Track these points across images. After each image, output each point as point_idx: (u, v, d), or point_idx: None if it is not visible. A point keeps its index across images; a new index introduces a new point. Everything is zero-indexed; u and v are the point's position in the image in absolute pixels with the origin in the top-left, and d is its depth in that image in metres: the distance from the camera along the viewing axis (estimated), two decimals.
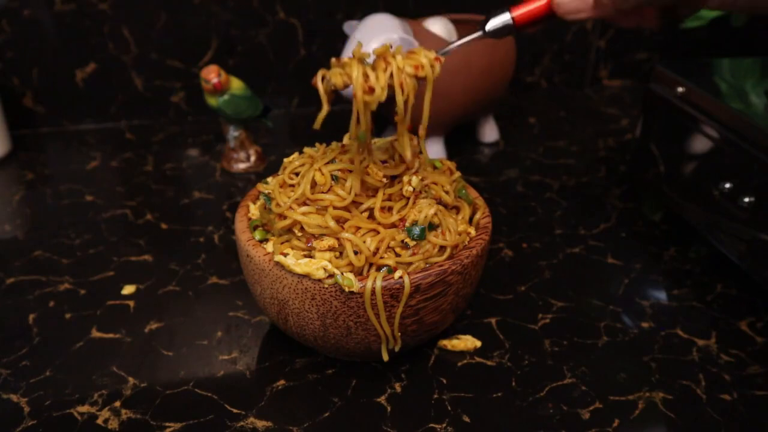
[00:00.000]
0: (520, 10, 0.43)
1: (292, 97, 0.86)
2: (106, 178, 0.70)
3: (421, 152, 0.43)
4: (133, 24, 0.77)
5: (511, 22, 0.43)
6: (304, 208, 0.40)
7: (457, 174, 0.46)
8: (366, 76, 0.38)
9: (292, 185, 0.42)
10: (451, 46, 0.43)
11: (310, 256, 0.39)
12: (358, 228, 0.39)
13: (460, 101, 0.67)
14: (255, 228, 0.42)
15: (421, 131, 0.41)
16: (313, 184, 0.41)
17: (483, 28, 0.43)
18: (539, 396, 0.43)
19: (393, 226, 0.40)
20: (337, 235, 0.39)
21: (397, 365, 0.45)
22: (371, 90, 0.38)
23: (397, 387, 0.43)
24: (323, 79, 0.39)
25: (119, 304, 0.51)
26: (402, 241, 0.40)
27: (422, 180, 0.42)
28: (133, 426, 0.40)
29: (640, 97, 0.89)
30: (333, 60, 0.40)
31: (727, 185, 0.51)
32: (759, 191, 0.48)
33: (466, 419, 0.41)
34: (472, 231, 0.43)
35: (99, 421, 0.41)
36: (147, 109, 0.82)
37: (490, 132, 0.77)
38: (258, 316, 0.50)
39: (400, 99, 0.38)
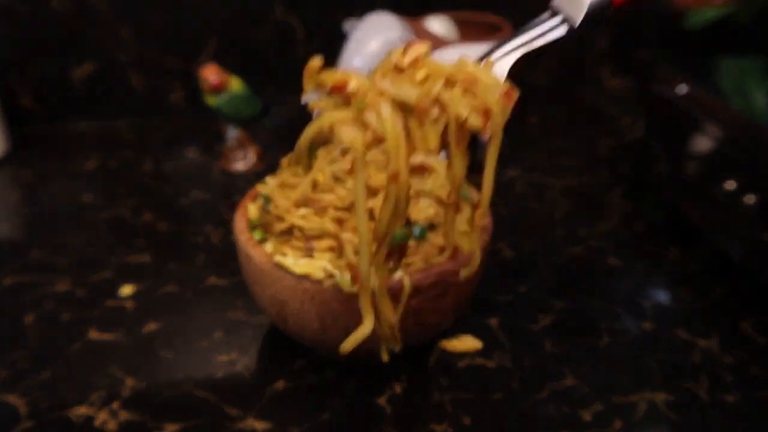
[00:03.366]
0: None
1: (292, 96, 0.86)
2: (105, 178, 0.70)
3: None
4: (131, 23, 0.77)
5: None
6: (303, 211, 0.40)
7: None
8: (407, 133, 0.22)
9: (292, 185, 0.42)
10: (519, 51, 0.28)
11: (310, 256, 0.39)
12: None
13: None
14: (254, 228, 0.42)
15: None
16: (315, 185, 0.40)
17: (562, 17, 0.27)
18: (540, 397, 0.43)
19: None
20: (336, 236, 0.39)
21: (397, 366, 0.45)
22: (422, 168, 0.23)
23: (397, 388, 0.43)
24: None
25: (117, 304, 0.51)
26: None
27: None
28: (131, 427, 0.40)
29: (641, 96, 0.89)
30: (326, 72, 0.21)
31: (730, 185, 0.50)
32: (762, 191, 0.48)
33: (467, 421, 0.41)
34: None
35: (97, 423, 0.40)
36: (145, 109, 0.82)
37: None
38: (257, 317, 0.49)
39: (459, 173, 0.23)
